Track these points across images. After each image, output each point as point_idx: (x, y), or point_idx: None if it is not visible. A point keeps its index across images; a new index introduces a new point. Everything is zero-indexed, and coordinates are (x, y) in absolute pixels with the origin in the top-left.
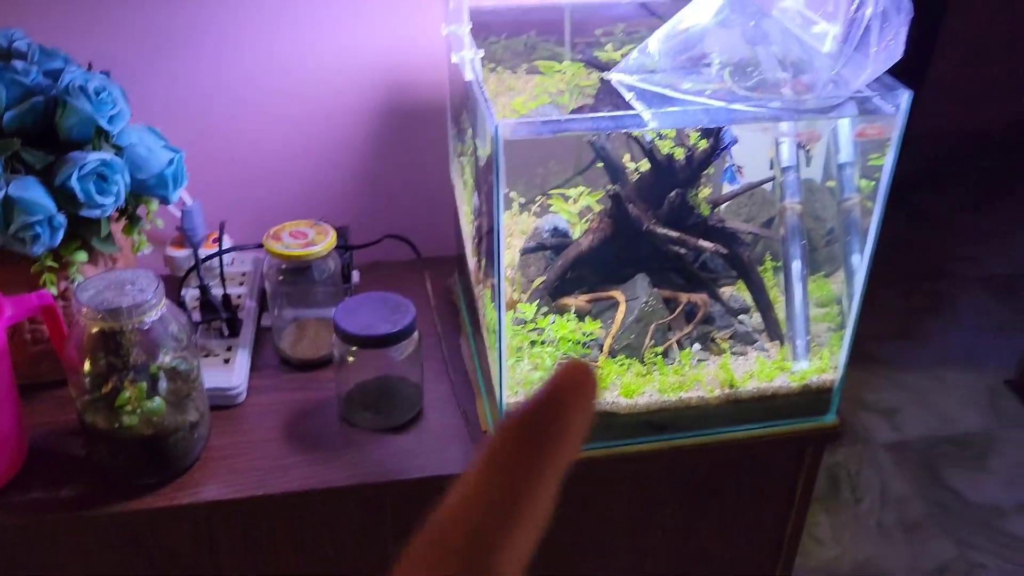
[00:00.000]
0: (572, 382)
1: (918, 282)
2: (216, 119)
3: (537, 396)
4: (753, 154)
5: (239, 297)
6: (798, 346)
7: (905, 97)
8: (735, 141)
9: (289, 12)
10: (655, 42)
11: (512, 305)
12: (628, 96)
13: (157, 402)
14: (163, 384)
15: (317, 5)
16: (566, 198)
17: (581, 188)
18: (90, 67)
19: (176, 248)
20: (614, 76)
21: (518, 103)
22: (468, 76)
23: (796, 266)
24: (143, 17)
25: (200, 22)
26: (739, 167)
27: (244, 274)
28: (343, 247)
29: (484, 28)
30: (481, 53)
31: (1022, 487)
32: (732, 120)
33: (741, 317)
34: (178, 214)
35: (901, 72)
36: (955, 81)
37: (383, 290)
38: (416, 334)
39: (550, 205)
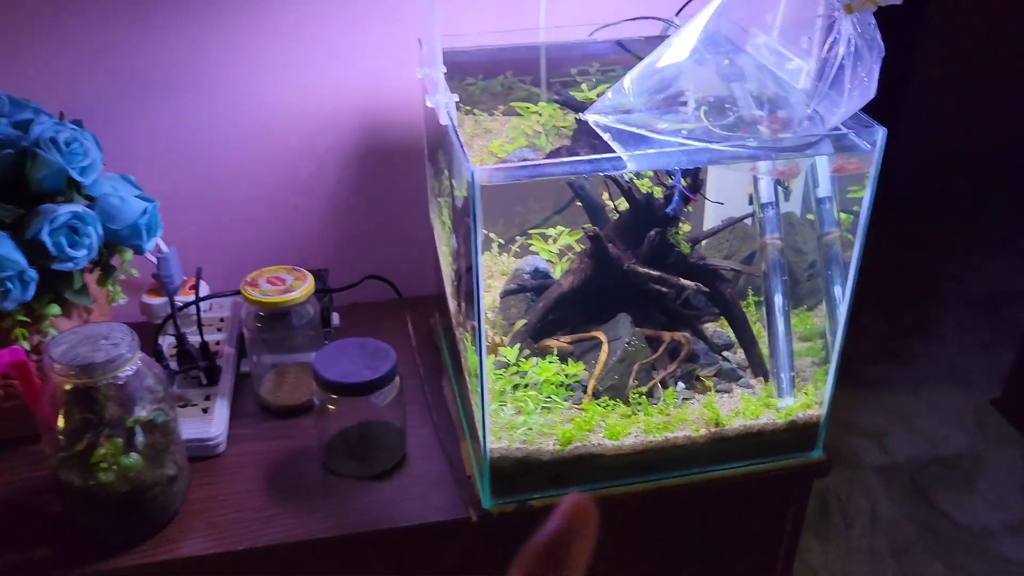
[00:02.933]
0: (576, 517)
1: (903, 303)
2: (193, 164)
3: (547, 532)
4: (732, 190)
5: (218, 343)
6: (783, 382)
7: (880, 134)
8: (680, 172)
9: (265, 55)
10: (630, 81)
11: (493, 349)
12: (605, 136)
13: (134, 458)
14: (140, 438)
15: (293, 47)
16: (546, 237)
17: (561, 228)
18: (61, 116)
19: (152, 296)
20: (590, 117)
21: (495, 145)
22: (443, 120)
23: (778, 301)
24: (117, 63)
25: (175, 67)
26: (691, 196)
27: (223, 320)
28: (321, 291)
29: (460, 69)
30: (456, 97)
31: (1011, 508)
32: (710, 160)
33: (725, 353)
34: (154, 261)
35: (881, 97)
36: (934, 104)
37: (365, 332)
38: (397, 379)
39: (530, 245)
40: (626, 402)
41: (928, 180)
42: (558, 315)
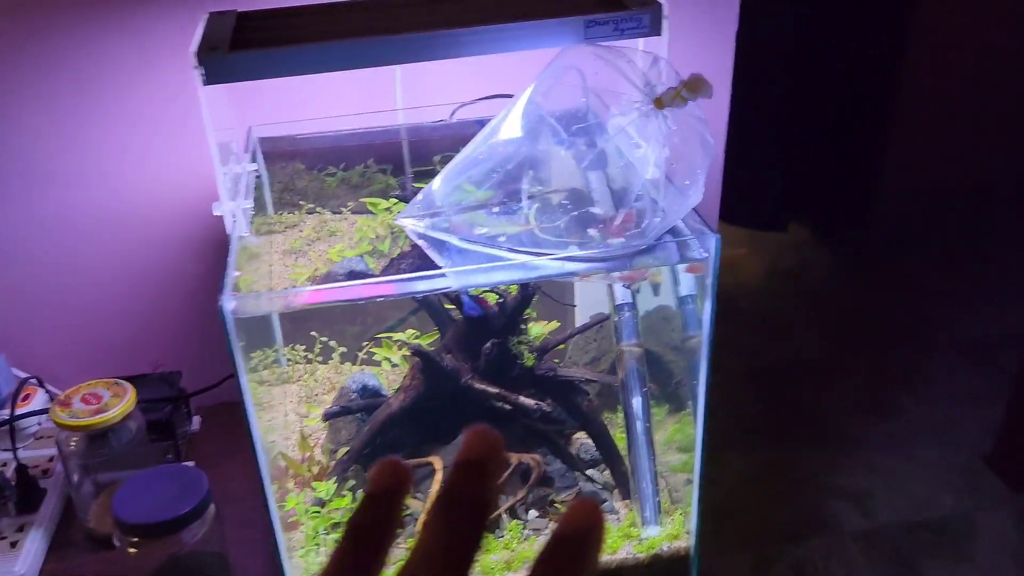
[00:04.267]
0: (584, 519)
1: (887, 350)
2: (29, 256)
3: (557, 534)
4: (594, 287)
5: (51, 460)
6: (645, 509)
7: (714, 242)
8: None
9: (108, 143)
10: (441, 179)
11: (307, 482)
12: (422, 244)
13: None
14: None
15: (137, 137)
16: (396, 343)
17: (412, 331)
18: None
19: None
20: (404, 222)
21: (335, 252)
22: (228, 229)
23: (637, 415)
24: None
25: (8, 162)
26: (480, 295)
27: None
28: (161, 400)
29: (320, 156)
30: (249, 203)
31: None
32: (525, 277)
33: (592, 472)
34: None
35: (867, 135)
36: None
37: (227, 435)
38: (211, 509)
39: (374, 354)
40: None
41: (915, 221)
42: (389, 438)
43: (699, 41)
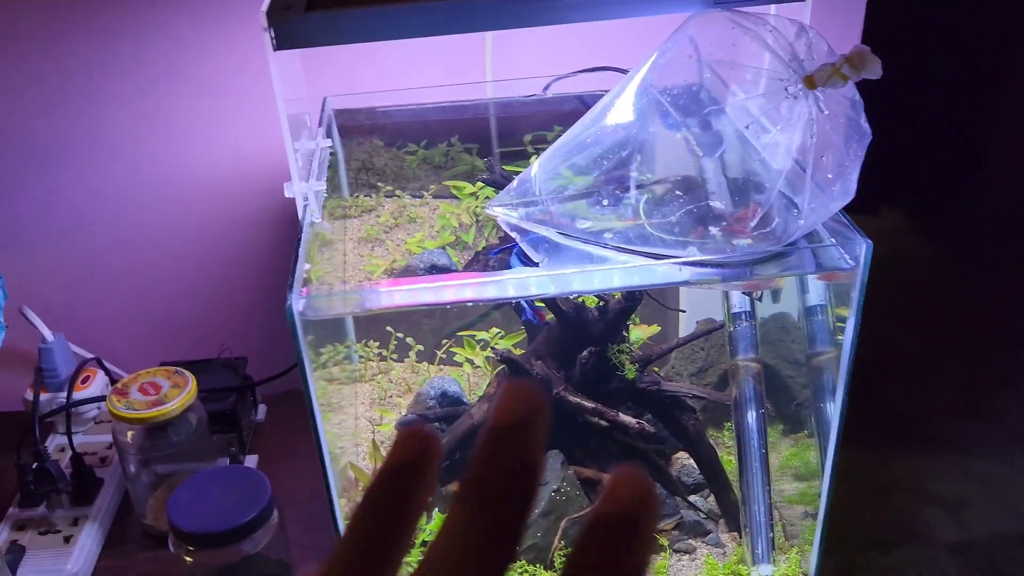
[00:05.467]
0: (627, 491)
1: (989, 348)
2: (94, 238)
3: (597, 510)
4: (702, 291)
5: (109, 447)
6: (757, 546)
7: (864, 249)
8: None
9: (179, 115)
10: (540, 165)
11: None
12: (516, 237)
13: None
14: None
15: (206, 115)
16: (479, 341)
17: (496, 330)
18: None
19: (34, 390)
20: (495, 211)
21: (414, 242)
22: (300, 215)
23: (752, 440)
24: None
25: (68, 133)
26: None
27: None
28: (226, 389)
29: (399, 132)
30: (322, 186)
31: None
32: (625, 286)
33: (694, 498)
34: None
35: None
36: None
37: (294, 427)
38: (275, 517)
39: (454, 353)
40: (549, 567)
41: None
42: (470, 451)
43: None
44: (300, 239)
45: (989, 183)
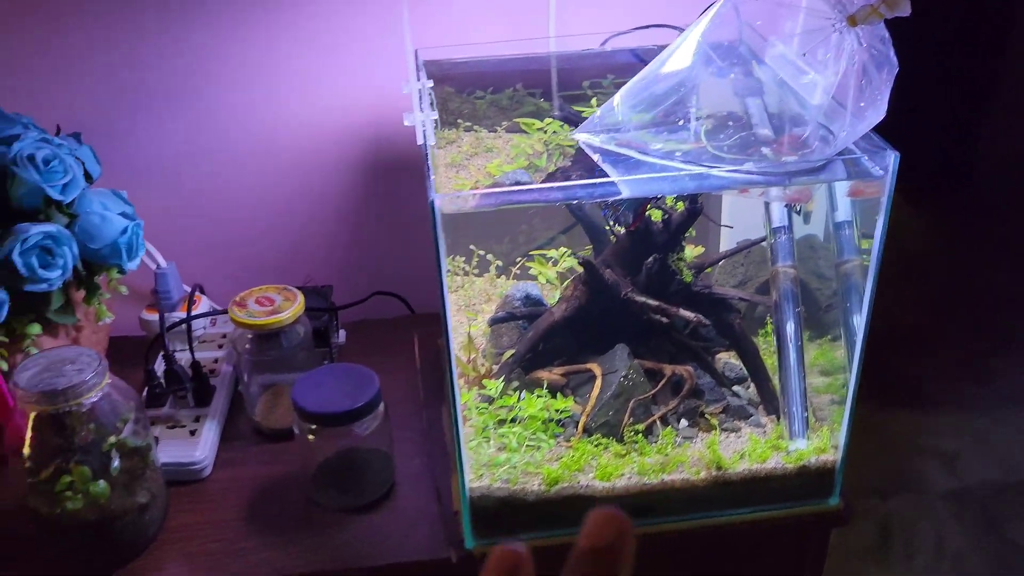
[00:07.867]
0: (604, 534)
1: (985, 315)
2: (193, 177)
3: (576, 553)
4: (747, 212)
5: (216, 361)
6: (794, 423)
7: (892, 159)
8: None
9: (265, 68)
10: (620, 98)
11: (477, 381)
12: (596, 158)
13: (101, 485)
14: (116, 464)
15: (300, 57)
16: (549, 259)
17: (564, 249)
18: (58, 131)
19: (151, 312)
20: (581, 136)
21: (493, 166)
22: (419, 140)
23: (789, 334)
24: (116, 77)
25: (174, 81)
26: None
27: (224, 336)
28: (319, 309)
29: (468, 81)
30: (435, 115)
31: None
32: (700, 188)
33: (737, 388)
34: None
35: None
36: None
37: (371, 350)
38: (382, 407)
39: (530, 268)
40: (620, 440)
41: (1018, 182)
42: (551, 345)
43: None
44: (426, 155)
45: (987, 159)
